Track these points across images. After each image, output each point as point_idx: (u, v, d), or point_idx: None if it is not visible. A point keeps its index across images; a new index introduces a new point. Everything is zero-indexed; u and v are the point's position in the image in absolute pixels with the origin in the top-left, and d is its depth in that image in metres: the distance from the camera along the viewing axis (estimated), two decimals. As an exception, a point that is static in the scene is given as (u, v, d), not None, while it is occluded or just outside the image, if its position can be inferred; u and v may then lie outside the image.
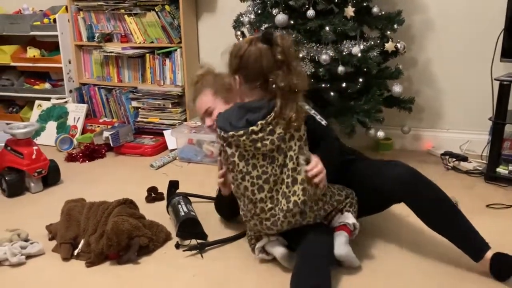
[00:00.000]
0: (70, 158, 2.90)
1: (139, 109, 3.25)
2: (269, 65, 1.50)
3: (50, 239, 1.92)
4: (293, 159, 1.54)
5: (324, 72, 2.26)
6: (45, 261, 1.80)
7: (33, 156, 2.38)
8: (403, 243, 1.81)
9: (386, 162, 1.76)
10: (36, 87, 3.52)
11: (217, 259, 1.75)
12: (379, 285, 1.58)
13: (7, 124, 2.90)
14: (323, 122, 1.71)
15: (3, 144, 2.45)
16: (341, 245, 1.60)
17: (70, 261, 1.78)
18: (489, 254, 1.55)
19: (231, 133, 1.53)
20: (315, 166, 1.55)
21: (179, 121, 3.16)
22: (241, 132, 1.51)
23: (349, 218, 1.67)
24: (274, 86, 1.49)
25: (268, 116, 1.51)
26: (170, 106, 3.17)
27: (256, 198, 1.56)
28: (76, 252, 1.79)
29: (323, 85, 2.29)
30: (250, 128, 1.50)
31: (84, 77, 3.43)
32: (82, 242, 1.80)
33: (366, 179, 1.73)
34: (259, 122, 1.51)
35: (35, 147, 2.42)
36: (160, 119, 3.20)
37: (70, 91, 3.38)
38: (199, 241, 1.81)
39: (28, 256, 1.80)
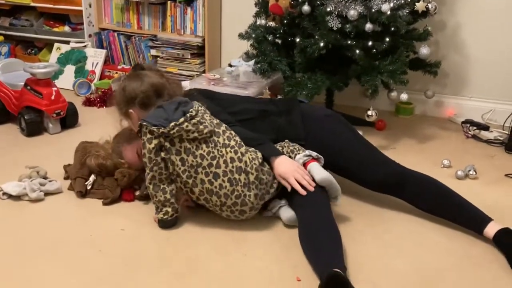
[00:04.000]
0: (88, 102, 2.90)
1: (158, 58, 3.22)
2: (157, 81, 1.72)
3: (65, 178, 1.95)
4: (231, 136, 1.66)
5: (351, 28, 2.19)
6: (63, 199, 1.83)
7: (52, 97, 2.38)
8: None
9: (374, 158, 1.78)
10: (56, 29, 3.48)
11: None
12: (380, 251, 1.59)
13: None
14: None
15: (23, 83, 2.45)
16: (320, 171, 1.65)
17: (86, 199, 1.81)
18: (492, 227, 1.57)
19: (172, 124, 1.56)
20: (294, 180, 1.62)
21: (198, 73, 3.12)
22: (182, 119, 1.57)
23: (309, 151, 1.73)
24: (168, 95, 1.71)
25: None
26: (189, 56, 3.13)
27: (215, 186, 1.59)
28: (88, 185, 1.84)
29: (349, 42, 2.23)
30: (188, 114, 1.60)
31: (104, 22, 3.39)
32: (92, 176, 1.87)
33: (351, 165, 1.79)
34: (191, 109, 1.62)
35: (54, 88, 2.41)
36: (179, 69, 3.16)
37: (90, 36, 3.34)
38: None
39: (46, 193, 1.83)
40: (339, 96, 2.69)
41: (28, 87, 2.42)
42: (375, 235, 1.65)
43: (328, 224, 1.55)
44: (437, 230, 1.68)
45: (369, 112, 2.35)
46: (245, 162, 1.61)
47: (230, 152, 1.61)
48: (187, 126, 1.57)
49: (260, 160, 1.65)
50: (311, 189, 1.63)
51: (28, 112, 2.40)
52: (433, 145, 2.44)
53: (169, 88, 1.75)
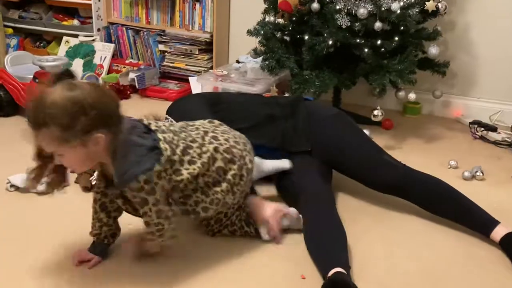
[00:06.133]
0: (96, 96, 2.91)
1: (166, 53, 3.22)
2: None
3: (72, 171, 1.95)
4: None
5: (360, 27, 2.18)
6: (69, 191, 1.84)
7: (61, 90, 2.39)
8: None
9: (379, 160, 1.76)
10: (65, 23, 3.49)
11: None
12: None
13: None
14: None
15: (32, 76, 2.46)
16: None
17: (91, 192, 1.82)
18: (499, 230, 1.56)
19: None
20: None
21: (205, 69, 3.12)
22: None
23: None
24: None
25: None
26: (197, 52, 3.13)
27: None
28: (92, 180, 1.83)
29: (357, 41, 2.22)
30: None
31: (112, 16, 3.39)
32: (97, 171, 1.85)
33: (356, 166, 1.78)
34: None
35: (62, 82, 2.42)
36: (186, 65, 3.16)
37: (98, 30, 3.35)
38: None
39: (54, 186, 1.84)
40: (346, 95, 2.68)
41: (37, 80, 2.43)
42: (380, 235, 1.65)
43: (333, 223, 1.55)
44: (443, 231, 1.67)
45: (375, 112, 2.34)
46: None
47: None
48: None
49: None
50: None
51: (36, 105, 2.41)
52: (440, 146, 2.43)
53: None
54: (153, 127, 1.33)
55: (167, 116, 1.86)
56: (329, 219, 1.56)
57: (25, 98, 2.48)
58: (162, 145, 1.30)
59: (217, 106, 1.86)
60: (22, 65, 2.63)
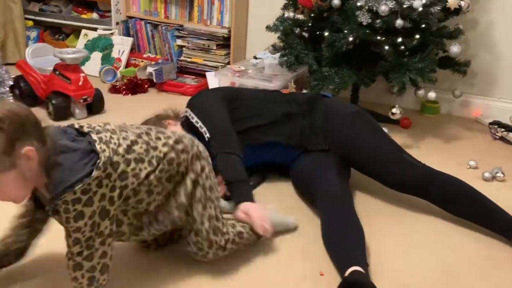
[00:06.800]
0: (114, 89, 2.93)
1: (183, 48, 3.22)
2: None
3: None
4: None
5: (381, 24, 2.16)
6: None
7: (80, 83, 2.41)
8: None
9: (399, 159, 1.74)
10: (84, 16, 3.52)
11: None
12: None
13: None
14: None
15: (52, 68, 2.48)
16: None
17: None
18: None
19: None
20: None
21: (222, 64, 3.12)
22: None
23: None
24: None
25: None
26: (215, 47, 3.13)
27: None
28: None
29: (378, 38, 2.20)
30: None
31: (131, 10, 3.41)
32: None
33: (375, 165, 1.76)
34: None
35: (82, 74, 2.45)
36: (204, 60, 3.17)
37: (117, 23, 3.37)
38: None
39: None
40: (363, 92, 2.66)
41: (57, 72, 2.46)
42: (399, 235, 1.64)
43: (350, 221, 1.54)
44: (463, 232, 1.66)
45: (394, 110, 2.32)
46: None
47: None
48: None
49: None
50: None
51: (56, 96, 2.44)
52: (459, 145, 2.40)
53: None
54: (86, 129, 1.16)
55: (187, 109, 1.87)
56: (346, 217, 1.55)
57: (45, 90, 2.51)
58: (98, 146, 1.12)
59: (235, 102, 1.87)
60: (42, 57, 2.66)
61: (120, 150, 1.16)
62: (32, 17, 3.58)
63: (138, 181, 1.19)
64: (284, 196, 1.86)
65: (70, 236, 1.12)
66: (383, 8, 2.13)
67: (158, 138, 1.26)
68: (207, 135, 1.73)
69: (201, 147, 1.36)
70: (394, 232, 1.66)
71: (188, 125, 1.84)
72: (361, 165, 1.82)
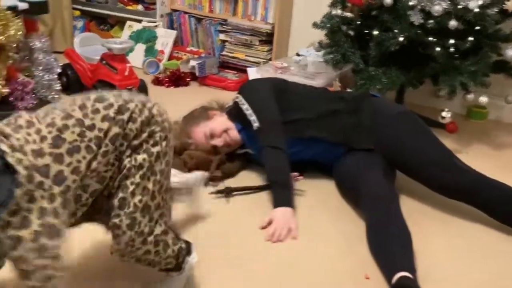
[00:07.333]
0: (157, 81, 2.96)
1: (226, 43, 3.23)
2: None
3: None
4: None
5: (433, 25, 2.10)
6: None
7: (126, 73, 2.44)
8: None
9: (448, 163, 1.69)
10: (129, 7, 3.57)
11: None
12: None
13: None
14: None
15: (99, 57, 2.52)
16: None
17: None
18: None
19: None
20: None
21: (264, 60, 3.11)
22: None
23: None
24: None
25: None
26: (258, 43, 3.12)
27: None
28: None
29: (429, 39, 2.13)
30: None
31: (176, 3, 3.43)
32: None
33: (421, 168, 1.72)
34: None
35: (128, 65, 2.48)
36: (246, 55, 3.16)
37: (161, 16, 3.40)
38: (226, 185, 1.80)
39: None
40: (408, 94, 2.59)
41: (104, 62, 2.50)
42: (446, 241, 1.59)
43: (398, 224, 1.50)
44: (510, 241, 1.59)
45: (444, 113, 2.25)
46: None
47: None
48: None
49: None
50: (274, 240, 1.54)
51: (101, 86, 2.47)
52: (509, 153, 2.31)
53: None
54: None
55: (238, 95, 1.88)
56: (392, 219, 1.51)
57: (92, 78, 2.55)
58: (12, 159, 0.87)
59: (284, 93, 1.87)
60: (90, 47, 2.71)
61: (45, 146, 0.92)
62: (80, 7, 3.65)
63: (80, 176, 0.96)
64: (326, 196, 1.83)
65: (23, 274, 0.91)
66: (437, 8, 2.07)
67: (96, 111, 1.00)
68: (256, 124, 1.73)
69: (155, 109, 1.10)
70: (439, 237, 1.61)
71: (235, 114, 1.84)
72: (405, 167, 1.77)
